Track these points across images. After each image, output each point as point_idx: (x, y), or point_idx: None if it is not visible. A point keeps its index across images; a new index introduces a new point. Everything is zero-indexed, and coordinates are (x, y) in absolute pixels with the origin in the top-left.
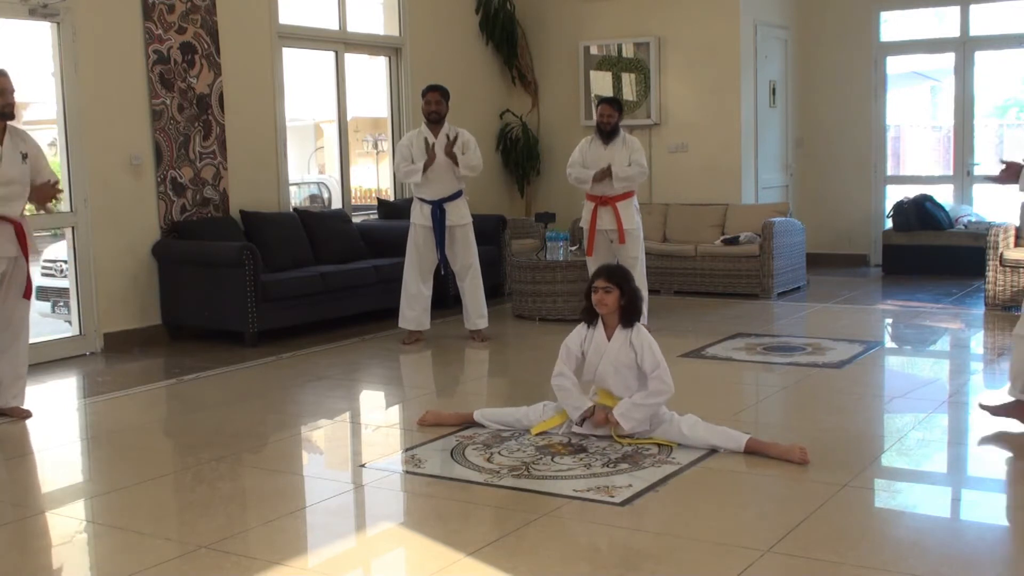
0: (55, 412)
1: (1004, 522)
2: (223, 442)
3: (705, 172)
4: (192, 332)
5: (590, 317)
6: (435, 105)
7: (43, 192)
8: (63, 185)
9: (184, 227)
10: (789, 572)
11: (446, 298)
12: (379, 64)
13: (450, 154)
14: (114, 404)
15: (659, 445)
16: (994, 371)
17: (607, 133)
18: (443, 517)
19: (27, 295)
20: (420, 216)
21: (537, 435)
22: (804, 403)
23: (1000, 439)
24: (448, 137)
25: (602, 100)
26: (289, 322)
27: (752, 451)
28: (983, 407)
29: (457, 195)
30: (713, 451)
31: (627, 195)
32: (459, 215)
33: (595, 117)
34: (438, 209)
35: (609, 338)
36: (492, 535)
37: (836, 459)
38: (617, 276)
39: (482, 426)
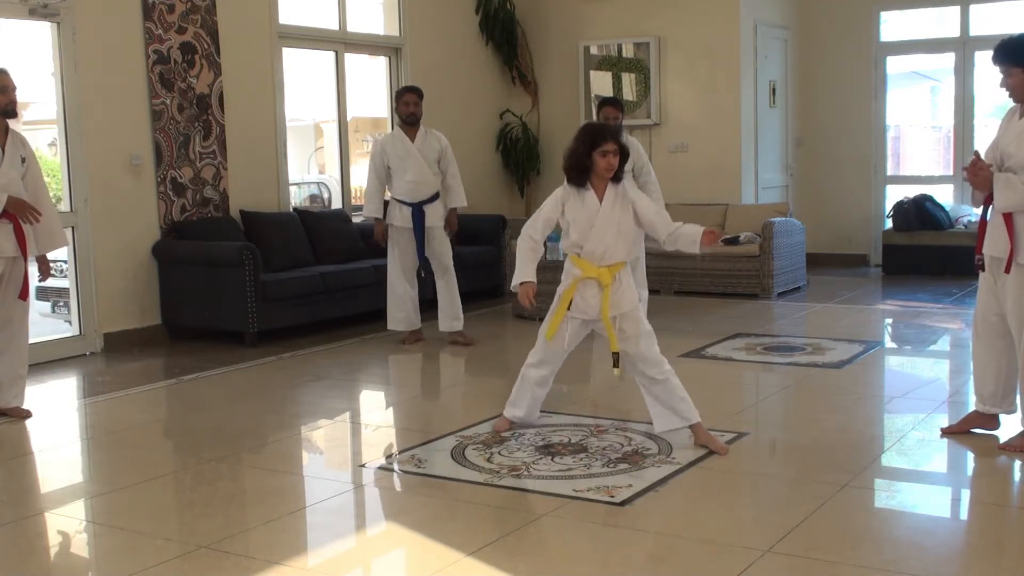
0: (55, 412)
1: (1004, 522)
2: (223, 442)
3: (705, 172)
4: (192, 332)
5: (582, 180)
6: (413, 107)
7: (22, 208)
8: (63, 185)
9: (184, 227)
10: (789, 572)
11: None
12: (379, 64)
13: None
14: (114, 404)
15: (659, 444)
16: None
17: None
18: (443, 517)
19: (23, 296)
20: (399, 218)
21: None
22: (804, 403)
23: (997, 439)
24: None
25: (604, 101)
26: (289, 322)
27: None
28: (944, 432)
29: (436, 196)
30: (713, 452)
31: None
32: (438, 216)
33: (597, 119)
34: (417, 211)
35: (601, 199)
36: (492, 535)
37: (836, 459)
38: (619, 134)
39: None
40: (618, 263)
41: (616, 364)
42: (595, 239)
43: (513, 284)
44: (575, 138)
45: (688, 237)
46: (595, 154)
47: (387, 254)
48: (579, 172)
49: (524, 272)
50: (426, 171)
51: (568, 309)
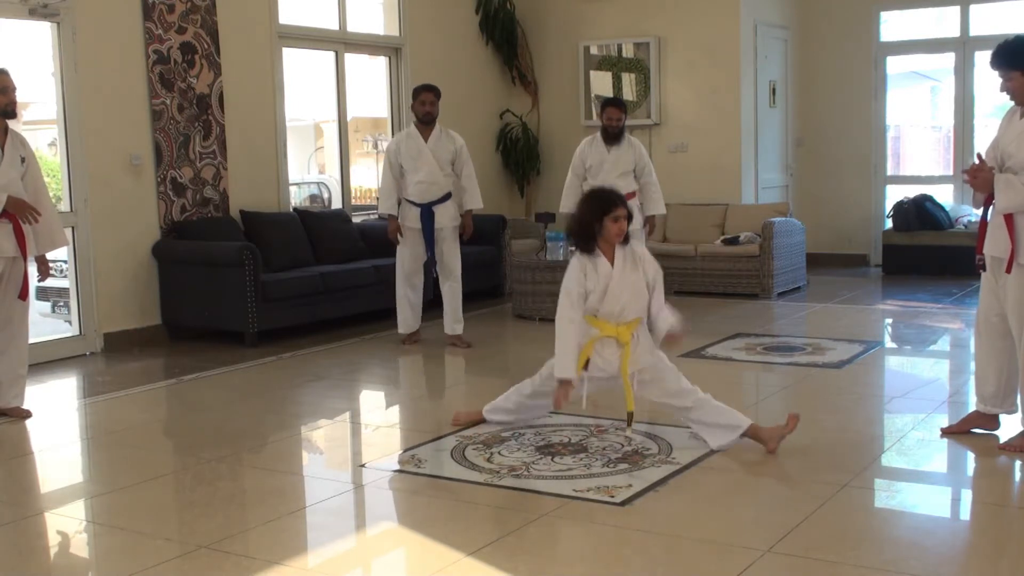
0: (55, 412)
1: (1004, 522)
2: (223, 442)
3: (705, 172)
4: (192, 332)
5: (591, 247)
6: (429, 106)
7: (21, 208)
8: (63, 185)
9: (184, 227)
10: (789, 572)
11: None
12: (379, 64)
13: (466, 231)
14: (114, 404)
15: (659, 444)
16: None
17: (613, 135)
18: (443, 517)
19: (23, 296)
20: (409, 218)
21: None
22: (804, 403)
23: (997, 439)
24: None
25: (608, 102)
26: (289, 322)
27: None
28: (944, 432)
29: (447, 197)
30: (713, 451)
31: (630, 196)
32: (449, 216)
33: (600, 119)
34: (427, 212)
35: (612, 262)
36: (492, 535)
37: (836, 459)
38: (625, 199)
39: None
40: (635, 319)
41: (629, 423)
42: (611, 301)
43: (556, 372)
44: (581, 204)
45: (660, 328)
46: (607, 220)
47: (395, 254)
48: (588, 239)
49: (566, 365)
50: (436, 172)
51: (585, 368)
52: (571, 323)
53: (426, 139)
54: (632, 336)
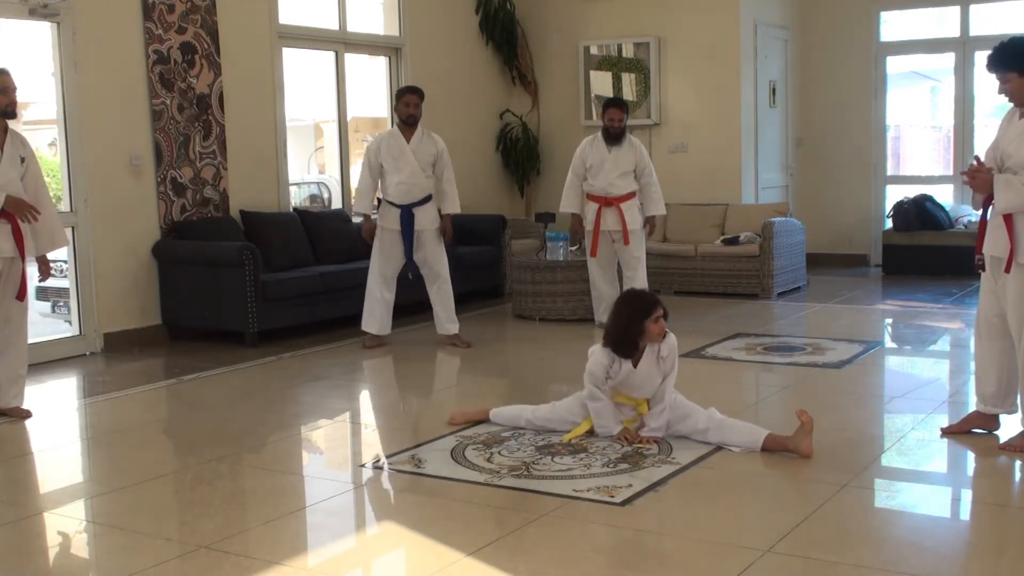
0: (55, 412)
1: (1004, 522)
2: (223, 442)
3: (705, 172)
4: (192, 332)
5: (631, 352)
6: (412, 108)
7: (20, 207)
8: (63, 185)
9: (184, 227)
10: (789, 572)
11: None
12: (379, 64)
13: (446, 235)
14: (114, 404)
15: (659, 444)
16: None
17: (615, 136)
18: (443, 517)
19: (20, 296)
20: (388, 219)
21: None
22: (804, 403)
23: (997, 439)
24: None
25: (609, 103)
26: (289, 322)
27: (768, 448)
28: (944, 432)
29: (427, 199)
30: (714, 451)
31: (631, 196)
32: (429, 219)
33: (602, 120)
34: (407, 213)
35: (635, 364)
36: (492, 535)
37: (836, 459)
38: (660, 301)
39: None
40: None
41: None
42: (627, 389)
43: (603, 432)
44: (621, 307)
45: (646, 422)
46: (647, 323)
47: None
48: (629, 345)
49: (609, 425)
50: (418, 173)
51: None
52: (596, 401)
53: (408, 140)
54: (649, 406)
